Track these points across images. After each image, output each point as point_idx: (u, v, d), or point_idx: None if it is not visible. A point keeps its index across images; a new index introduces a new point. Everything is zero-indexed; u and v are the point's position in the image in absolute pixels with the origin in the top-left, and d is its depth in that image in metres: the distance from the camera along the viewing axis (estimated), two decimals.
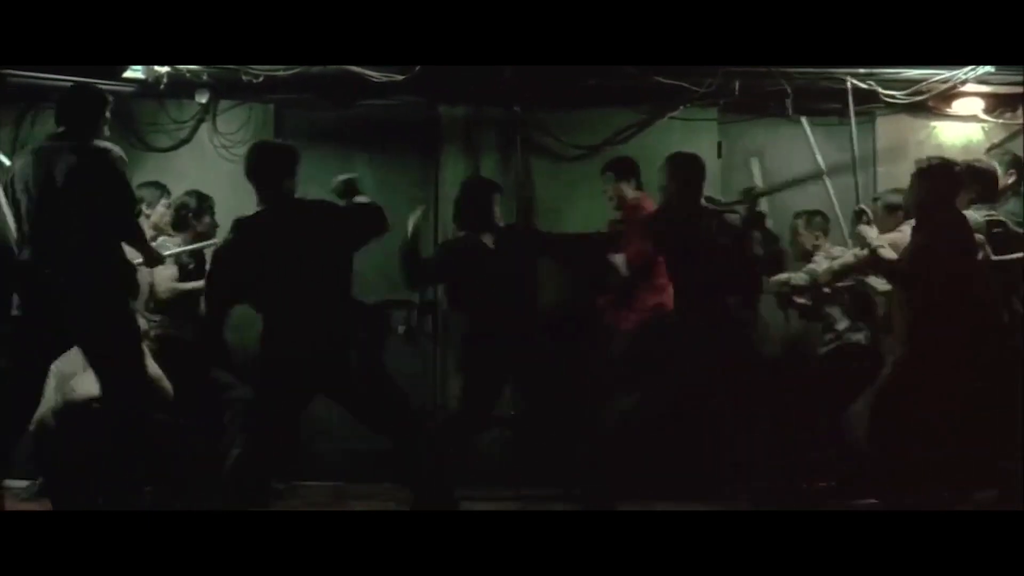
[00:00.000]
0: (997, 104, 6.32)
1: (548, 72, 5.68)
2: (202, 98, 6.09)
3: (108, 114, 4.54)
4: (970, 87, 6.17)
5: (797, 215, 5.83)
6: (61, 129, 4.45)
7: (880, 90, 5.87)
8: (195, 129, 6.17)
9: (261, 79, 5.80)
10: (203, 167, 6.11)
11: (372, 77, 5.56)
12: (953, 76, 5.81)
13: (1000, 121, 6.33)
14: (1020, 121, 6.27)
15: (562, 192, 6.26)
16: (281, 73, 5.75)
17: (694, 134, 6.26)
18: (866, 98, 5.93)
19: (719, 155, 6.32)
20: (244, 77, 5.77)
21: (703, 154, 6.18)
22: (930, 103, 6.29)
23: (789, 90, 5.81)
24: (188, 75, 5.77)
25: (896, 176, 6.35)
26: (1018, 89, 6.16)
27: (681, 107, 6.17)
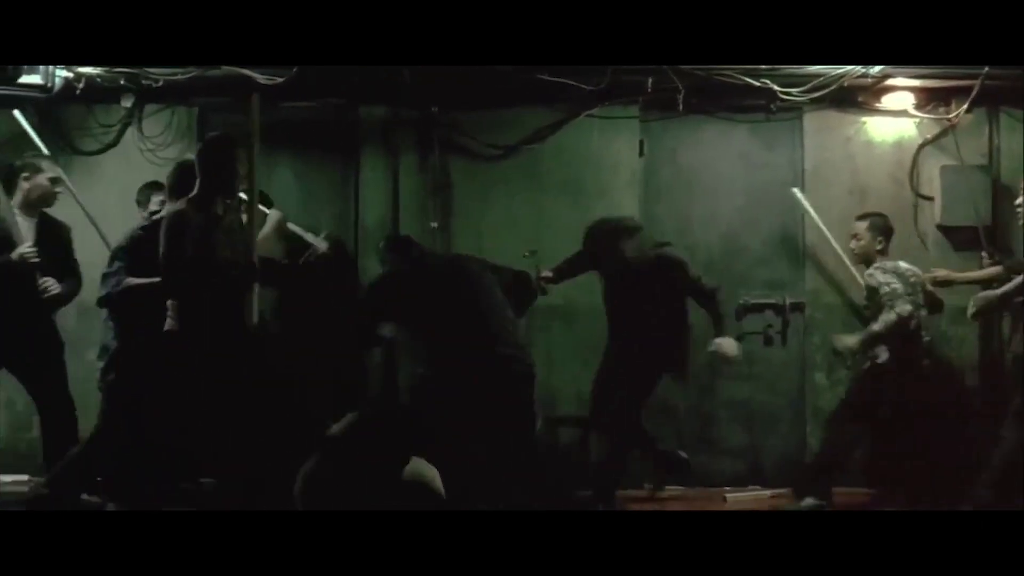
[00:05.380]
0: (929, 99, 6.14)
1: (465, 71, 5.66)
2: (127, 102, 6.19)
3: None
4: (900, 81, 6.02)
5: (860, 218, 5.68)
6: None
7: (776, 88, 5.74)
8: (121, 133, 6.25)
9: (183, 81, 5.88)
10: (130, 170, 6.18)
11: (258, 79, 5.58)
12: (848, 72, 5.65)
13: (932, 116, 6.15)
14: (952, 115, 6.10)
15: (480, 192, 6.24)
16: (202, 75, 5.82)
17: (615, 132, 6.22)
18: (761, 95, 5.82)
19: (641, 153, 6.25)
20: (159, 81, 5.85)
21: (625, 153, 6.26)
22: (859, 98, 6.16)
23: (681, 87, 5.69)
24: (99, 80, 5.86)
25: (823, 173, 6.26)
26: (949, 83, 6.00)
27: (599, 106, 6.10)
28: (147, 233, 4.84)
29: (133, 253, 4.90)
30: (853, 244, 5.67)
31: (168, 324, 4.67)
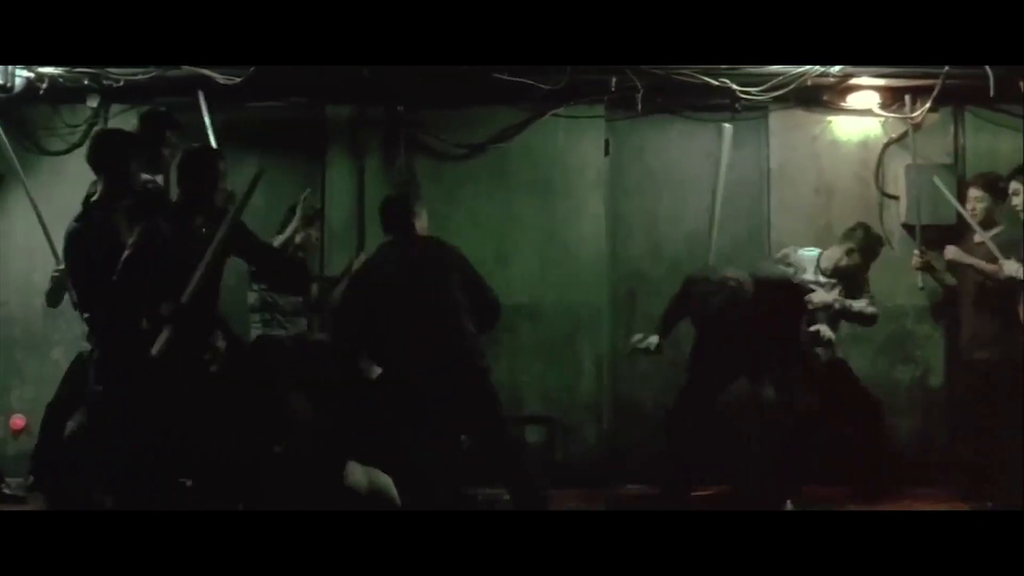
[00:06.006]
0: (894, 98, 6.15)
1: (430, 71, 5.64)
2: (93, 102, 6.19)
3: None
4: (864, 80, 6.02)
5: (971, 183, 5.64)
6: None
7: (735, 87, 5.74)
8: (87, 133, 6.21)
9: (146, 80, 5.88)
10: None
11: (217, 79, 5.58)
12: (807, 72, 5.66)
13: (895, 116, 6.16)
14: (914, 115, 6.11)
15: (446, 191, 6.24)
16: (163, 75, 5.81)
17: (581, 131, 6.22)
18: (722, 95, 5.83)
19: (606, 153, 6.26)
20: (120, 81, 5.85)
21: (591, 152, 6.26)
22: (825, 97, 6.17)
23: (640, 87, 5.70)
24: (62, 80, 5.84)
25: (788, 172, 6.27)
26: (914, 82, 6.00)
27: (563, 105, 6.11)
28: (83, 224, 4.58)
29: (72, 247, 4.65)
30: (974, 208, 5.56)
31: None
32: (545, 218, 6.20)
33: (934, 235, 6.07)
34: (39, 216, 5.60)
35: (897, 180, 6.20)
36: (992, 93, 5.61)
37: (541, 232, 6.20)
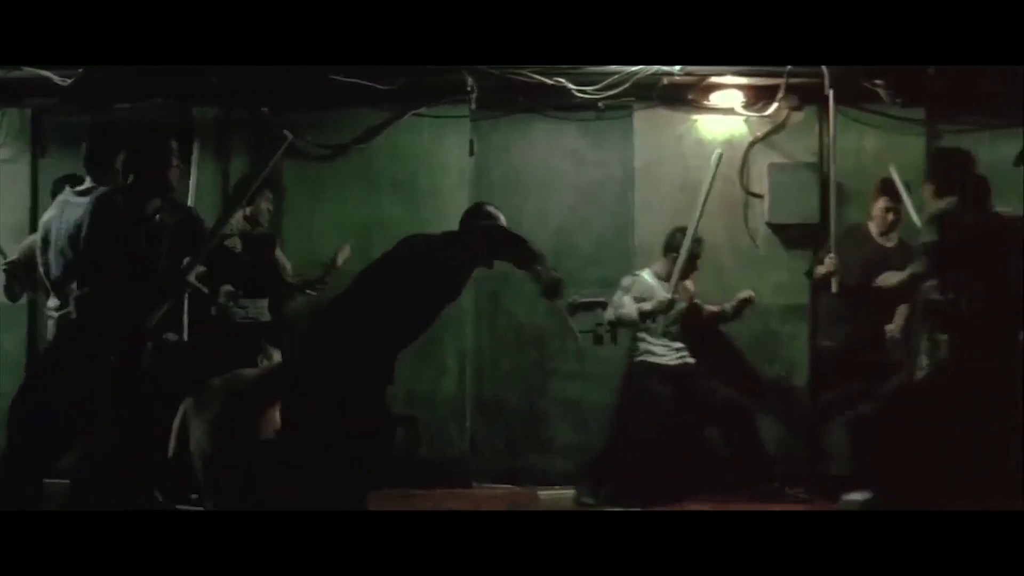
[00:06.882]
0: (758, 97, 6.13)
1: (295, 72, 5.65)
2: None
3: None
4: (728, 79, 6.01)
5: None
6: None
7: (571, 86, 5.74)
8: None
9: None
10: None
11: (53, 79, 5.59)
12: (641, 71, 5.66)
13: (755, 115, 6.16)
14: (769, 112, 6.12)
15: (311, 192, 6.25)
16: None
17: (445, 131, 6.22)
18: (556, 94, 5.84)
19: (471, 152, 6.26)
20: None
21: (455, 152, 6.26)
22: (689, 96, 6.16)
23: (472, 86, 5.71)
24: None
25: (653, 171, 6.26)
26: (777, 81, 5.98)
27: (425, 106, 6.12)
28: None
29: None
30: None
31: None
32: (410, 218, 6.18)
33: (798, 234, 6.10)
34: None
35: (763, 179, 6.19)
36: (827, 91, 5.61)
37: (405, 232, 6.14)
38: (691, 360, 5.78)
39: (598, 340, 6.16)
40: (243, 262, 5.38)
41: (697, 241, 5.66)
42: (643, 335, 5.74)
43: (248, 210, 5.59)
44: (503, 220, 4.58)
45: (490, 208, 4.64)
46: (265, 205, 5.75)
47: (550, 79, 5.64)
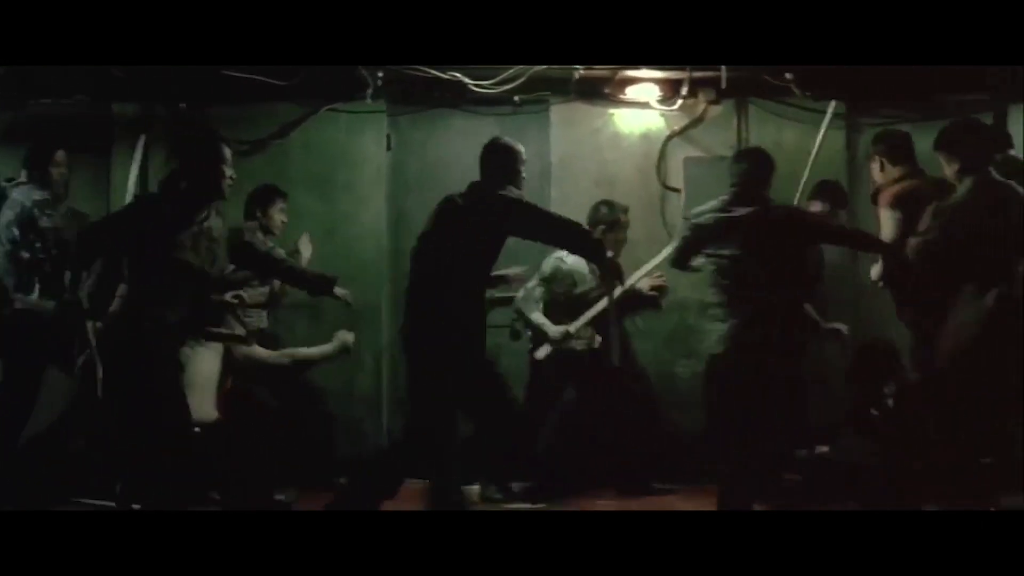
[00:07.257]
0: (673, 91, 6.12)
1: (207, 68, 5.67)
2: None
3: None
4: (643, 73, 6.02)
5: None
6: None
7: (467, 80, 5.73)
8: None
9: None
10: None
11: None
12: (532, 68, 5.66)
13: (669, 109, 6.14)
14: (675, 106, 6.13)
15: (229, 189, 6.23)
16: None
17: (362, 126, 6.23)
18: (452, 89, 5.83)
19: (388, 147, 6.26)
20: None
21: (372, 147, 6.26)
22: (606, 90, 6.16)
23: (370, 82, 5.71)
24: None
25: (570, 165, 6.24)
26: (694, 75, 5.99)
27: (341, 101, 6.12)
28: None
29: None
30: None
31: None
32: (326, 213, 6.20)
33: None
34: None
35: (679, 173, 6.17)
36: (723, 86, 5.60)
37: (322, 228, 6.18)
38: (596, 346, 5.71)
39: (515, 335, 6.13)
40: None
41: (624, 210, 5.59)
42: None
43: (262, 220, 5.56)
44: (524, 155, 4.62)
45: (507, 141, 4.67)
46: (279, 217, 5.67)
47: (445, 74, 5.62)
